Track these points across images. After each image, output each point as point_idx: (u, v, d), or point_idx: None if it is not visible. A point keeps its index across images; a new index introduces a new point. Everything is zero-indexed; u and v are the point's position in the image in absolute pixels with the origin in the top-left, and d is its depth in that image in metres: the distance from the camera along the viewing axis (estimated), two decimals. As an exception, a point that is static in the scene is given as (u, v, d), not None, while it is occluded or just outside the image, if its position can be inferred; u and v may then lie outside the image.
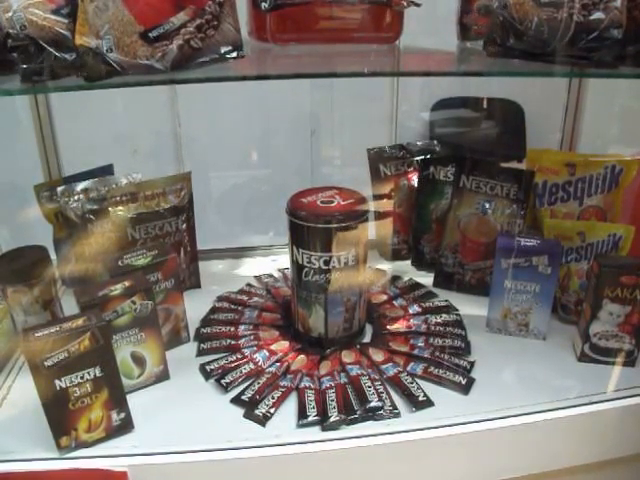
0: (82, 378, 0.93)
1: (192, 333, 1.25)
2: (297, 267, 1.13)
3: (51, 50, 0.85)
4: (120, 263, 1.13)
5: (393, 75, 1.54)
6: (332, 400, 1.03)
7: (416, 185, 1.45)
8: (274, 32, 1.06)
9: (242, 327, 1.24)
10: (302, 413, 1.02)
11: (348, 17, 1.08)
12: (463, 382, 1.08)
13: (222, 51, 0.88)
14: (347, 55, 1.12)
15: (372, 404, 1.02)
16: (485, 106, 2.59)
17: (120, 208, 1.26)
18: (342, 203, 1.10)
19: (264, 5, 1.04)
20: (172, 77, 0.86)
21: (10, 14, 0.84)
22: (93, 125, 1.92)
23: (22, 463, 0.98)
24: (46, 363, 0.90)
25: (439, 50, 1.24)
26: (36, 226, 1.45)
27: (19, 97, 1.53)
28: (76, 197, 1.28)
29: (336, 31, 1.08)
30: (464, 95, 2.48)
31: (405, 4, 1.09)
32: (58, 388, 0.92)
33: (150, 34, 0.84)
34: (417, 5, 1.09)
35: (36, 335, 0.91)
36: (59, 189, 1.29)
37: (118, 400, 0.98)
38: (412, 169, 1.48)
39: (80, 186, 1.29)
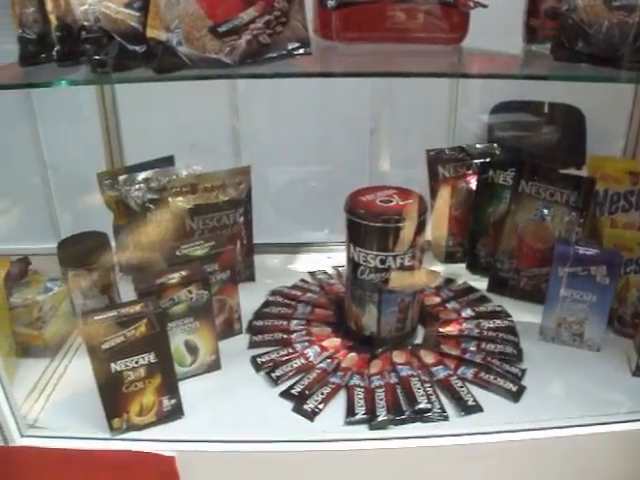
0: (137, 363, 0.95)
1: (245, 325, 1.26)
2: (353, 265, 1.13)
3: (122, 42, 0.87)
4: (178, 253, 1.15)
5: (457, 77, 1.53)
6: (381, 399, 1.04)
7: (474, 188, 1.44)
8: (339, 30, 1.06)
9: (294, 322, 1.25)
10: (350, 411, 1.02)
11: (413, 17, 1.08)
12: (514, 389, 1.07)
13: (289, 47, 0.88)
14: (410, 55, 1.11)
15: (421, 406, 1.02)
16: (546, 111, 2.54)
17: (179, 199, 1.28)
18: (400, 203, 1.10)
19: (330, 3, 1.04)
20: (239, 72, 0.87)
21: (85, 7, 0.86)
22: (155, 117, 1.95)
23: (75, 441, 1.01)
24: (103, 346, 0.93)
25: (504, 52, 1.22)
26: (97, 213, 1.48)
27: (86, 87, 1.56)
28: (137, 186, 1.30)
29: (401, 31, 1.07)
30: (525, 99, 2.44)
31: (472, 5, 1.08)
32: (113, 371, 0.95)
33: (219, 29, 0.85)
34: (484, 6, 1.08)
35: (95, 318, 0.94)
36: (121, 178, 1.32)
37: (170, 386, 1.00)
38: (471, 172, 1.47)
39: (141, 175, 1.32)
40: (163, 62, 0.84)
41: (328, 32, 1.08)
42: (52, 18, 0.90)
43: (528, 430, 0.99)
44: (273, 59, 0.87)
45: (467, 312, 1.29)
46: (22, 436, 1.02)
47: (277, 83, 0.93)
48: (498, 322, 1.25)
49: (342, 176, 1.86)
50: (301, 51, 0.89)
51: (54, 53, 0.92)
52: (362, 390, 1.06)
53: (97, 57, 0.87)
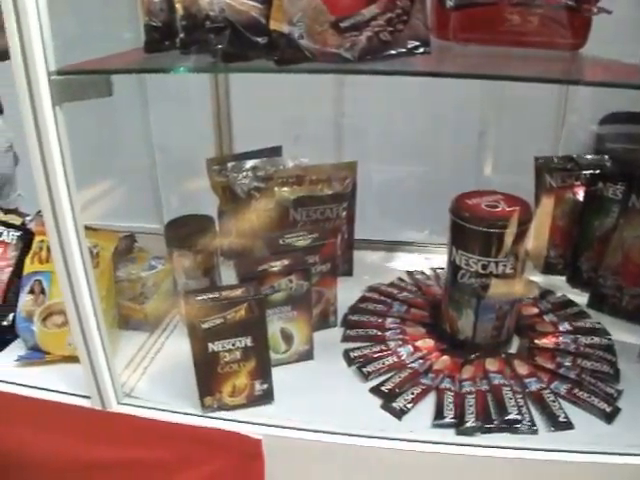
0: (233, 345, 0.98)
1: (339, 318, 1.28)
2: (453, 268, 1.13)
3: (245, 33, 0.89)
4: (281, 242, 1.18)
5: (575, 84, 1.49)
6: (471, 405, 1.03)
7: (582, 200, 1.40)
8: (457, 31, 1.05)
9: (389, 320, 1.26)
10: (439, 413, 1.02)
11: (533, 21, 1.05)
12: (608, 410, 1.03)
13: (409, 46, 0.87)
14: (527, 59, 1.09)
15: (511, 416, 1.00)
16: (661, 123, 2.44)
17: (285, 189, 1.31)
18: (506, 209, 1.08)
19: (449, 3, 1.03)
20: (358, 67, 0.87)
21: (212, -3, 0.88)
22: (263, 107, 1.99)
23: (167, 413, 1.05)
24: (203, 326, 0.96)
25: (621, 60, 1.18)
26: (202, 197, 1.52)
27: (199, 75, 1.61)
28: (244, 174, 1.34)
29: (519, 34, 1.05)
30: (637, 110, 2.35)
31: (595, 10, 1.05)
32: (210, 351, 0.98)
33: (341, 24, 0.86)
34: (608, 12, 1.05)
35: (197, 298, 0.97)
36: (229, 164, 1.36)
37: (263, 371, 1.03)
38: (579, 183, 1.43)
39: (249, 164, 1.35)
40: (285, 54, 0.85)
41: (445, 32, 1.07)
42: (178, 7, 0.92)
43: (620, 454, 0.95)
44: (392, 57, 0.87)
45: (564, 326, 1.26)
46: (119, 403, 1.08)
47: (386, 80, 0.93)
48: (596, 339, 1.22)
49: (447, 178, 1.85)
50: (421, 50, 0.88)
51: (177, 41, 0.94)
52: (452, 394, 1.06)
53: (220, 46, 0.90)
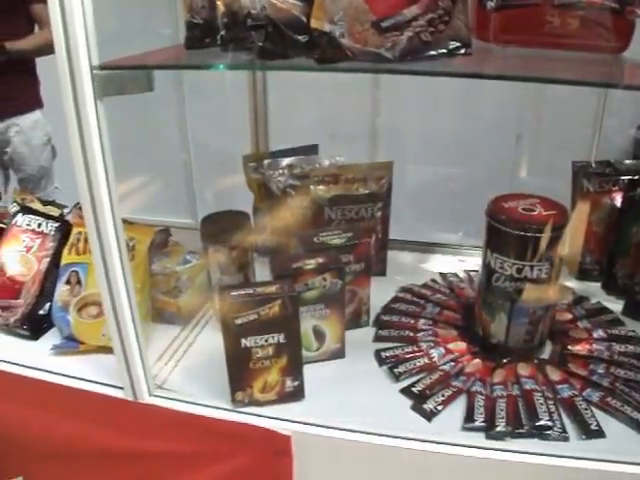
0: (266, 341, 0.99)
1: (372, 318, 1.28)
2: (488, 271, 1.12)
3: (286, 31, 0.89)
4: (316, 240, 1.18)
5: (614, 87, 1.47)
6: (501, 410, 1.02)
7: (619, 205, 1.38)
8: (497, 32, 1.04)
9: (422, 321, 1.25)
10: (469, 417, 1.01)
11: (575, 23, 1.04)
12: (641, 419, 1.02)
13: (450, 47, 0.87)
14: (567, 62, 1.08)
15: (542, 422, 1.00)
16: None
17: (321, 187, 1.31)
18: (543, 213, 1.07)
19: (490, 4, 1.02)
20: (398, 67, 0.87)
21: (254, -5, 0.89)
22: (299, 106, 2.00)
23: (198, 407, 1.07)
24: (236, 321, 0.97)
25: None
26: (236, 193, 1.53)
27: (237, 72, 1.62)
28: (280, 171, 1.34)
29: (561, 36, 1.04)
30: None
31: (639, 13, 1.03)
32: (243, 346, 0.99)
33: (382, 24, 0.86)
34: (652, 15, 1.03)
35: (231, 294, 0.98)
36: (265, 162, 1.36)
37: (295, 368, 1.03)
38: (617, 188, 1.41)
39: (285, 161, 1.36)
40: (326, 53, 0.85)
41: (485, 33, 1.06)
42: (220, 4, 0.93)
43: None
44: (433, 57, 0.87)
45: (599, 333, 1.24)
46: (150, 395, 1.09)
47: (423, 81, 0.92)
48: (631, 347, 1.20)
49: (482, 179, 1.84)
50: (462, 51, 0.88)
51: (218, 38, 0.95)
52: (483, 398, 1.05)
53: (260, 44, 0.90)
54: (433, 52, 0.87)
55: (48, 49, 2.14)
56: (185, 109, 2.47)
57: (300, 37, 0.89)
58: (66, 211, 1.51)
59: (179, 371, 1.17)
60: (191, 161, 2.46)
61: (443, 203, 2.03)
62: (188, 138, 2.50)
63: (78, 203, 1.47)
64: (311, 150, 1.45)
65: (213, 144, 2.28)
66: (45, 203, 1.53)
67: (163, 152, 2.45)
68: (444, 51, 0.87)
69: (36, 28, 2.49)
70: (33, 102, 2.62)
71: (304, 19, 0.88)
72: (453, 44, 0.88)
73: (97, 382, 1.14)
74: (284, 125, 1.69)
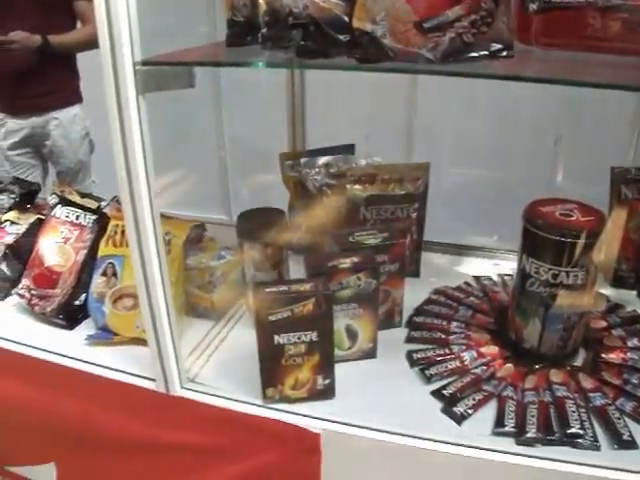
0: (299, 339, 0.99)
1: (404, 319, 1.27)
2: (522, 275, 1.11)
3: (328, 30, 0.89)
4: (351, 239, 1.18)
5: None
6: (532, 416, 1.01)
7: (658, 214, 1.36)
8: (539, 35, 1.03)
9: (454, 323, 1.25)
10: (500, 421, 1.01)
11: (618, 26, 1.03)
12: (675, 431, 1.00)
13: (492, 49, 0.86)
14: (609, 65, 1.06)
15: (573, 430, 0.98)
16: None
17: (357, 187, 1.31)
18: (581, 219, 1.06)
19: (531, 7, 1.01)
20: (439, 68, 0.86)
21: (296, -6, 0.89)
22: (336, 105, 2.00)
23: (228, 401, 1.07)
24: (270, 318, 0.97)
25: None
26: (270, 190, 1.54)
27: (276, 70, 1.63)
28: (317, 170, 1.35)
29: (603, 39, 1.03)
30: None
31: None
32: (276, 343, 0.99)
33: (424, 24, 0.85)
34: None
35: (266, 290, 0.99)
36: (302, 160, 1.37)
37: (326, 366, 1.03)
38: (656, 196, 1.39)
39: (322, 160, 1.36)
40: (368, 53, 0.86)
41: (526, 36, 1.05)
42: (262, 3, 0.94)
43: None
44: (474, 59, 0.86)
45: (633, 342, 1.22)
46: (182, 387, 1.10)
47: (460, 82, 0.92)
48: (666, 357, 1.18)
49: (519, 183, 1.83)
50: (504, 53, 0.87)
51: (259, 36, 0.96)
52: (514, 403, 1.04)
53: (302, 42, 0.91)
54: (475, 54, 0.86)
55: (88, 45, 2.20)
56: (222, 107, 2.49)
57: (341, 36, 0.89)
58: (103, 204, 1.53)
59: (211, 365, 1.18)
60: (227, 158, 2.48)
61: (478, 205, 2.02)
62: (224, 135, 2.53)
63: (115, 196, 1.49)
64: (348, 149, 1.45)
65: (248, 141, 2.29)
66: (83, 196, 1.55)
67: (199, 148, 2.47)
68: (486, 53, 0.87)
69: (78, 24, 2.53)
70: (73, 97, 2.66)
71: (346, 18, 0.89)
72: (495, 46, 0.87)
73: (129, 373, 1.16)
74: (320, 123, 1.70)
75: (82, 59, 2.53)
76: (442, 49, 0.85)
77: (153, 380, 1.11)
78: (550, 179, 2.00)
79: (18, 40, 2.32)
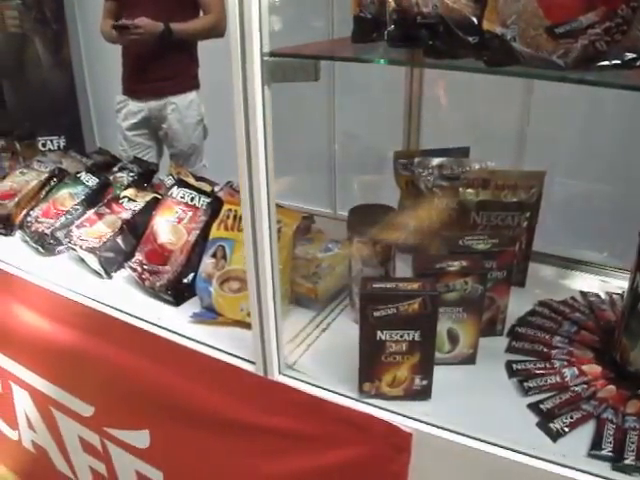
0: (401, 337, 1.00)
1: (506, 328, 1.25)
2: (634, 295, 1.07)
3: (457, 31, 0.89)
4: (461, 243, 1.17)
5: None
6: (632, 442, 0.97)
7: None
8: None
9: (557, 338, 1.21)
10: (597, 444, 0.98)
11: None
12: None
13: (626, 58, 0.84)
14: None
15: (675, 461, 0.94)
16: None
17: (469, 191, 1.30)
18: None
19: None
20: (568, 75, 0.84)
21: (426, -6, 0.89)
22: (452, 108, 1.99)
23: (324, 391, 1.09)
24: (375, 313, 0.98)
25: None
26: (382, 188, 1.55)
27: (395, 70, 1.63)
28: (430, 170, 1.34)
29: None
30: None
31: None
32: (378, 339, 1.00)
33: (557, 30, 0.83)
34: None
35: (374, 286, 1.00)
36: (416, 160, 1.37)
37: (425, 367, 1.03)
38: None
39: (435, 161, 1.36)
40: (496, 55, 0.85)
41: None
42: (390, 1, 0.94)
43: None
44: (606, 67, 0.83)
45: None
46: (280, 373, 1.13)
47: (580, 91, 0.90)
48: None
49: (635, 199, 1.75)
50: (638, 63, 0.84)
51: (385, 33, 0.97)
52: (613, 427, 1.01)
53: (430, 42, 0.91)
54: (606, 62, 0.83)
55: (209, 34, 2.28)
56: (335, 102, 2.52)
57: (470, 38, 0.88)
58: (217, 188, 1.58)
59: (310, 354, 1.20)
60: (336, 153, 2.50)
61: (590, 219, 1.95)
62: (335, 130, 2.55)
63: (230, 182, 1.54)
64: (462, 152, 1.44)
65: (358, 137, 2.31)
66: (198, 179, 1.61)
67: (310, 142, 2.51)
68: (618, 62, 0.83)
69: (201, 13, 2.62)
70: (191, 83, 2.75)
71: (475, 20, 0.88)
72: (629, 55, 0.84)
73: (230, 353, 1.19)
74: (433, 125, 1.69)
75: (201, 47, 2.62)
76: (573, 56, 0.83)
77: (253, 363, 1.14)
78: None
79: (143, 26, 2.43)
